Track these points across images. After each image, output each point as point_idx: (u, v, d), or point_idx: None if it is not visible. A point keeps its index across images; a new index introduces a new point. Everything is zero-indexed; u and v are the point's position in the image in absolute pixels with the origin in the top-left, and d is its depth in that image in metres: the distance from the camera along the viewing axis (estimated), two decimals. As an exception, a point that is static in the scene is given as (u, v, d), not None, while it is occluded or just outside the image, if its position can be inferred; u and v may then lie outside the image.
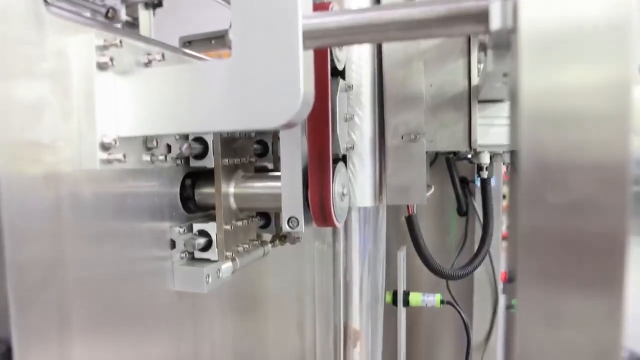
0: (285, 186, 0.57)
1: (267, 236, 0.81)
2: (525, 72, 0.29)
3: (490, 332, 1.15)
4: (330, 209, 0.55)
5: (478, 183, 1.01)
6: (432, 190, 0.82)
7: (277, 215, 0.81)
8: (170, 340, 0.65)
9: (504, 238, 1.18)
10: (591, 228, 0.29)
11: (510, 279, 0.35)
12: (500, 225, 1.14)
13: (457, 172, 1.10)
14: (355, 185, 0.64)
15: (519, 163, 0.28)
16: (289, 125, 0.41)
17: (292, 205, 0.57)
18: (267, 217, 0.83)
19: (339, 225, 0.60)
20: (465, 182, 1.15)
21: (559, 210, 0.29)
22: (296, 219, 0.58)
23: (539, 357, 0.30)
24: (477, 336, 1.12)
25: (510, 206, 0.32)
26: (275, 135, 0.78)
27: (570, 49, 0.28)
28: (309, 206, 0.58)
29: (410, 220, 0.74)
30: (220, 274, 0.63)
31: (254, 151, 0.73)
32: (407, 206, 0.73)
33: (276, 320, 0.98)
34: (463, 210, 1.15)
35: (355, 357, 0.74)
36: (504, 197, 1.18)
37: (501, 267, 1.18)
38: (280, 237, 0.88)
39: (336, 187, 0.58)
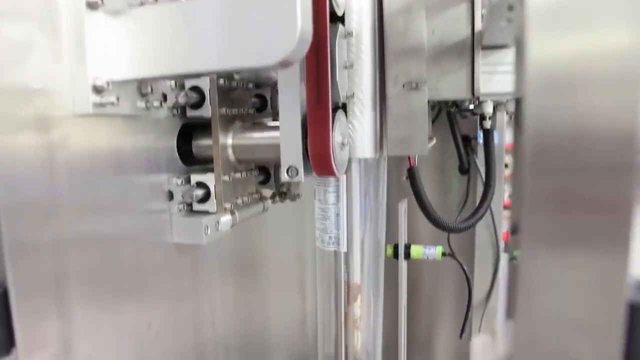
0: (284, 134, 0.56)
1: (267, 192, 0.81)
2: (533, 35, 0.27)
3: (490, 292, 1.15)
4: (330, 157, 0.54)
5: (480, 139, 0.99)
6: (434, 142, 0.81)
7: (277, 170, 0.80)
8: (170, 294, 0.65)
9: (505, 207, 1.17)
10: (598, 190, 0.28)
11: (513, 231, 0.34)
12: (503, 190, 1.13)
13: (459, 129, 1.08)
14: (355, 136, 0.63)
15: (525, 125, 0.27)
16: (285, 64, 0.40)
17: (291, 153, 0.56)
18: (266, 173, 0.82)
19: (339, 175, 0.59)
20: (467, 140, 1.14)
21: (565, 172, 0.28)
22: (295, 168, 0.57)
23: (540, 313, 0.30)
24: (477, 295, 1.12)
25: (515, 166, 0.31)
26: (273, 89, 0.76)
27: (581, 11, 0.26)
28: (308, 156, 0.57)
29: (411, 173, 0.73)
30: (219, 227, 0.62)
31: (253, 105, 0.72)
32: (409, 158, 0.72)
33: (277, 277, 0.98)
34: (465, 168, 1.14)
35: (356, 311, 0.74)
36: (506, 165, 1.16)
37: (503, 228, 1.18)
38: (280, 194, 0.87)
39: (336, 135, 0.56)
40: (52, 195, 0.44)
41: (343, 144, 0.60)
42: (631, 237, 0.28)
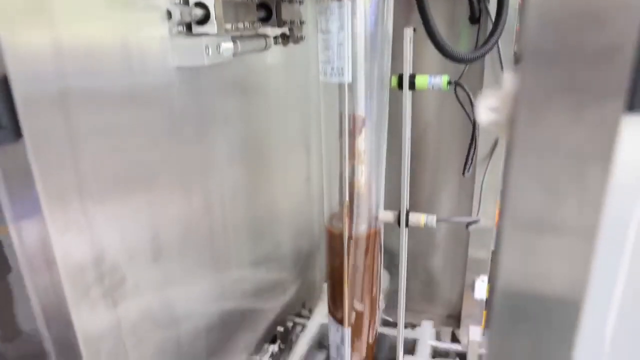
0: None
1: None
2: None
3: (495, 145, 1.16)
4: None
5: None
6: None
7: (278, 6, 0.78)
8: (171, 124, 0.65)
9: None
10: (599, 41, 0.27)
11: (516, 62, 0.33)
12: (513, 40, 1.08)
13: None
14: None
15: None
16: None
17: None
18: (268, 11, 0.80)
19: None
20: (479, -15, 1.08)
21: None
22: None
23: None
24: (482, 149, 1.13)
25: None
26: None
27: None
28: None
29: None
30: (221, 50, 0.61)
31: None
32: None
33: (280, 112, 0.99)
34: (475, 17, 1.09)
35: (360, 145, 0.75)
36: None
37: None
38: (283, 36, 0.85)
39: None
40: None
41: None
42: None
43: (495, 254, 0.33)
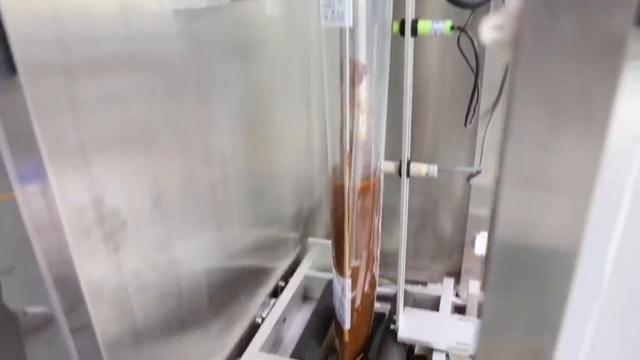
0: None
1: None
2: None
3: (498, 99, 1.14)
4: None
5: None
6: None
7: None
8: (170, 77, 0.64)
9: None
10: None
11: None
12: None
13: None
14: None
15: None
16: None
17: None
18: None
19: None
20: None
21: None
22: None
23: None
24: (484, 103, 1.12)
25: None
26: None
27: None
28: None
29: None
30: (217, -9, 0.60)
31: None
32: None
33: (280, 66, 0.98)
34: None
35: (361, 93, 0.74)
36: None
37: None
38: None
39: None
40: None
41: None
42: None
43: (493, 207, 0.33)
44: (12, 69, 0.42)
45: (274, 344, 1.00)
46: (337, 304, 0.93)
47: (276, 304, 1.03)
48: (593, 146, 0.29)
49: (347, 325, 0.91)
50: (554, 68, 0.29)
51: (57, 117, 0.47)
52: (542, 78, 0.29)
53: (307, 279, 1.14)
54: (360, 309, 0.92)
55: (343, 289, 0.88)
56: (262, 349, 0.92)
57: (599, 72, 0.28)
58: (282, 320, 1.03)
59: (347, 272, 0.86)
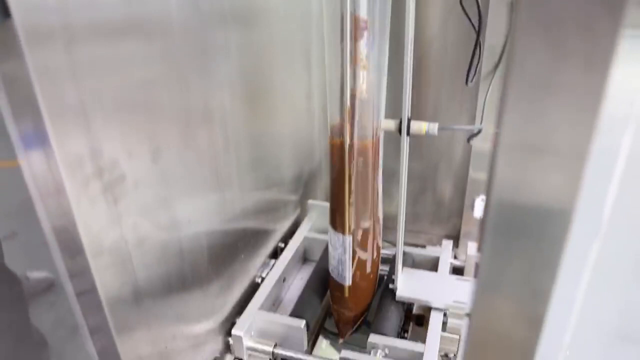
0: None
1: None
2: None
3: (499, 61, 1.13)
4: None
5: None
6: None
7: None
8: (170, 34, 0.63)
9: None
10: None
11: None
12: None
13: None
14: None
15: None
16: None
17: None
18: None
19: None
20: None
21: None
22: None
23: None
24: (486, 64, 1.10)
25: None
26: None
27: None
28: None
29: None
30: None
31: None
32: None
33: (280, 26, 0.96)
34: None
35: (362, 49, 0.73)
36: None
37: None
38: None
39: None
40: None
41: None
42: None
43: (491, 167, 0.33)
44: (5, 12, 0.41)
45: (273, 303, 1.01)
46: (333, 263, 0.93)
47: (276, 264, 1.04)
48: (591, 105, 0.29)
49: (347, 282, 0.92)
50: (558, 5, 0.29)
51: (55, 76, 0.47)
52: (545, 14, 0.29)
53: (306, 240, 1.15)
54: (362, 273, 0.93)
55: (343, 246, 0.88)
56: (262, 307, 0.93)
57: (601, 7, 0.28)
58: (282, 280, 1.04)
59: (347, 229, 0.86)
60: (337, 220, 0.88)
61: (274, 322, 0.90)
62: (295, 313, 0.95)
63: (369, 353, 0.85)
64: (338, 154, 0.81)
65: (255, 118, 0.93)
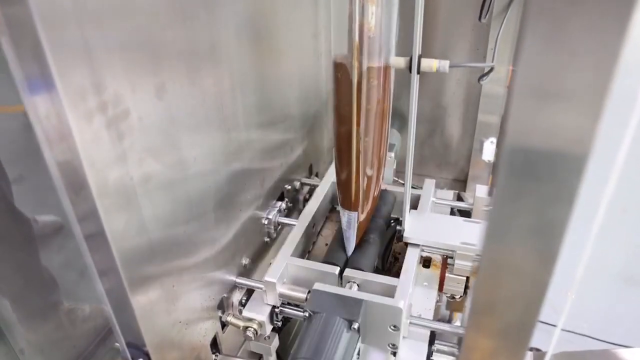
0: None
1: None
2: None
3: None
4: None
5: None
6: None
7: None
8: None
9: None
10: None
11: None
12: None
13: None
14: None
15: None
16: None
17: None
18: None
19: None
20: None
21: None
22: None
23: None
24: (499, 2, 1.07)
25: None
26: None
27: None
28: None
29: None
30: None
31: None
32: None
33: None
34: None
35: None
36: None
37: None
38: None
39: None
40: None
41: None
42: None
43: (505, 111, 0.32)
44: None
45: (303, 250, 1.00)
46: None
47: (305, 210, 1.03)
48: (608, 48, 0.28)
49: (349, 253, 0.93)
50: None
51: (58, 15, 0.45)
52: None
53: (334, 186, 1.11)
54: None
55: (349, 222, 0.87)
56: (293, 254, 0.92)
57: None
58: (312, 226, 1.02)
59: (353, 202, 0.85)
60: (342, 193, 0.87)
61: (307, 269, 0.89)
62: (327, 260, 0.92)
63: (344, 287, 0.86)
64: (343, 87, 0.77)
65: (262, 57, 0.90)
